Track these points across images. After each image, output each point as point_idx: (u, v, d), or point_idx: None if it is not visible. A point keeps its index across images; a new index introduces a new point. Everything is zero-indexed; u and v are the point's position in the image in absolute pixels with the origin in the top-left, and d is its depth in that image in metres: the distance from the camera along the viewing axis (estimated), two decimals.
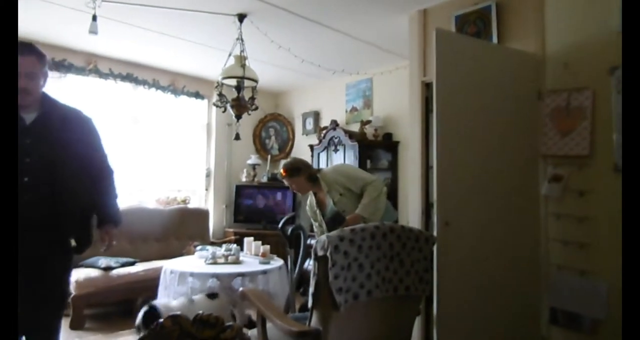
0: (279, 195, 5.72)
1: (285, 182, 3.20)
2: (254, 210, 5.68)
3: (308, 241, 3.25)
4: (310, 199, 3.25)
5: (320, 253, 1.82)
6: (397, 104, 4.78)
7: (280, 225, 3.28)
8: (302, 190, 3.23)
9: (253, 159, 5.90)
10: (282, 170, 3.17)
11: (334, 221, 2.95)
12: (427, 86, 3.48)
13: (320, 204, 3.18)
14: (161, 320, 0.72)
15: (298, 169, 3.12)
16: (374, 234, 1.94)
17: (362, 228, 1.94)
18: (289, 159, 3.29)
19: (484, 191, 2.58)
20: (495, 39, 3.01)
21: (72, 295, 3.73)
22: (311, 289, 1.87)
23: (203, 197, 5.81)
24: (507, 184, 2.67)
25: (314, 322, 1.89)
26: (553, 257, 2.71)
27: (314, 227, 3.28)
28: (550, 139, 2.73)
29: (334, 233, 1.86)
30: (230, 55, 3.71)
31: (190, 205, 5.48)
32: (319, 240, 1.85)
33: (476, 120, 2.59)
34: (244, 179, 5.86)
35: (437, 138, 2.45)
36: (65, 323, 3.73)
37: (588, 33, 2.63)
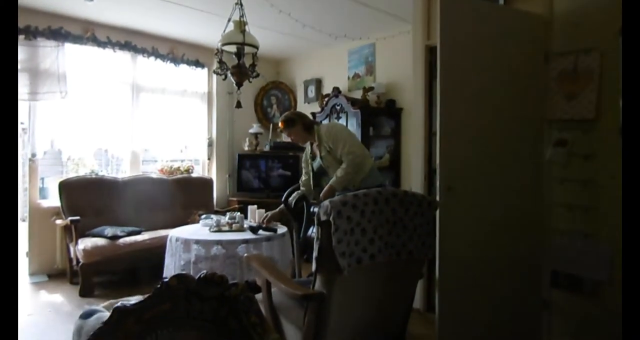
0: (281, 164, 5.72)
1: (285, 134, 3.44)
2: (257, 179, 5.70)
3: (312, 209, 3.28)
4: (307, 148, 3.47)
5: (323, 218, 1.83)
6: (400, 70, 4.70)
7: (283, 198, 3.30)
8: (300, 140, 3.38)
9: (255, 127, 5.87)
10: (280, 123, 3.39)
11: (297, 204, 3.21)
12: (430, 50, 3.40)
13: (313, 155, 3.39)
14: (167, 279, 0.73)
15: (293, 120, 3.29)
16: (376, 199, 1.95)
17: (365, 193, 1.94)
18: (286, 112, 3.50)
19: (487, 156, 2.57)
20: (501, 0, 2.92)
21: (80, 264, 3.81)
22: (315, 254, 1.89)
23: (206, 166, 5.82)
24: (511, 149, 2.65)
25: (318, 285, 1.93)
26: (556, 221, 2.72)
27: (303, 175, 3.52)
28: (556, 103, 2.70)
29: (337, 198, 1.87)
30: (229, 20, 3.62)
31: (194, 175, 5.50)
32: (322, 206, 1.86)
33: (480, 84, 2.55)
34: (246, 148, 5.85)
35: (440, 102, 2.43)
36: (75, 290, 3.85)
37: None
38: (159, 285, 0.73)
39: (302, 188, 3.41)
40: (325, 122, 5.14)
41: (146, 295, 0.72)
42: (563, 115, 2.68)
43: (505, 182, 2.63)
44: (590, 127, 2.57)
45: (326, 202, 1.85)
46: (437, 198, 2.41)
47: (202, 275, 0.73)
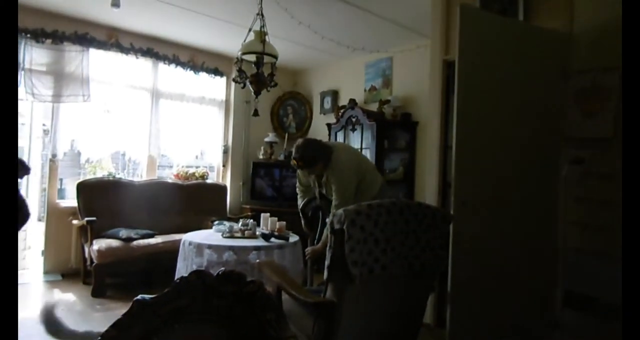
0: (295, 173, 5.73)
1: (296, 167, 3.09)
2: (270, 188, 5.74)
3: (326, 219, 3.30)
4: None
5: (336, 226, 1.84)
6: (416, 83, 4.73)
7: (300, 206, 3.33)
8: (316, 173, 3.09)
9: (270, 136, 5.92)
10: (295, 162, 2.99)
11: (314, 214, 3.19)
12: (448, 65, 3.42)
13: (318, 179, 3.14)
14: (186, 275, 0.75)
15: (315, 158, 2.94)
16: (390, 209, 1.96)
17: (379, 203, 1.95)
18: (300, 147, 2.98)
19: (502, 172, 2.56)
20: (521, 16, 2.93)
21: (94, 264, 3.86)
22: (327, 262, 1.90)
23: (220, 173, 5.88)
24: (527, 165, 2.64)
25: (329, 294, 1.94)
26: (571, 239, 2.69)
27: (298, 187, 3.38)
28: (573, 121, 2.68)
29: (351, 207, 1.88)
30: (250, 30, 3.69)
31: (209, 181, 5.56)
32: (335, 214, 1.87)
33: (497, 100, 2.55)
34: (261, 157, 5.90)
35: (457, 117, 2.43)
36: (87, 290, 3.90)
37: (619, 11, 2.54)
38: (177, 280, 0.75)
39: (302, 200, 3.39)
40: (340, 134, 5.16)
41: (165, 290, 0.74)
42: (580, 133, 2.66)
43: (520, 199, 2.61)
44: (608, 146, 2.55)
45: (340, 211, 1.86)
46: (452, 212, 2.40)
47: (220, 272, 0.75)
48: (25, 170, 2.22)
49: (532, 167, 2.66)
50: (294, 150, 3.04)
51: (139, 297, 0.72)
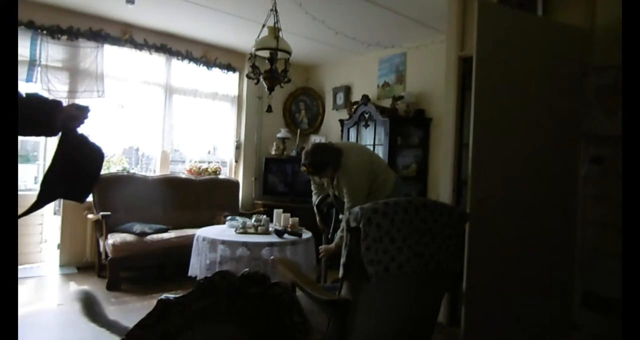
0: None
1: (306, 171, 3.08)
2: (282, 184, 5.74)
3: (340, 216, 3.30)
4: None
5: (353, 224, 1.83)
6: (430, 79, 4.68)
7: (316, 203, 3.33)
8: (327, 177, 3.10)
9: (283, 132, 5.92)
10: (305, 168, 2.99)
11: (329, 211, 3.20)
12: (464, 61, 3.38)
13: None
14: (210, 275, 0.75)
15: (325, 163, 2.94)
16: (406, 208, 1.94)
17: (395, 201, 1.94)
18: (309, 153, 2.98)
19: (520, 170, 2.52)
20: (540, 11, 2.88)
21: (109, 258, 3.90)
22: (342, 260, 1.89)
23: (233, 168, 5.90)
24: (545, 164, 2.60)
25: (344, 292, 1.93)
26: (590, 239, 2.65)
27: (313, 184, 3.38)
28: (594, 118, 2.63)
29: (367, 205, 1.87)
30: (263, 26, 3.68)
31: (221, 176, 5.58)
32: (352, 212, 1.86)
33: (515, 96, 2.51)
34: (273, 152, 5.90)
35: (474, 114, 2.40)
36: (102, 283, 3.94)
37: None
38: (201, 281, 0.74)
39: (316, 198, 3.39)
40: (353, 130, 5.14)
41: (188, 290, 0.74)
42: (601, 131, 2.61)
43: (538, 198, 2.57)
44: None
45: (356, 209, 1.85)
46: (468, 210, 2.38)
47: (245, 273, 0.74)
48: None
49: (551, 165, 2.62)
50: (302, 156, 3.03)
51: (163, 296, 0.71)
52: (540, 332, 2.58)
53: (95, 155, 1.60)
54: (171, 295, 0.71)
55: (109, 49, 4.64)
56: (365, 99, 5.01)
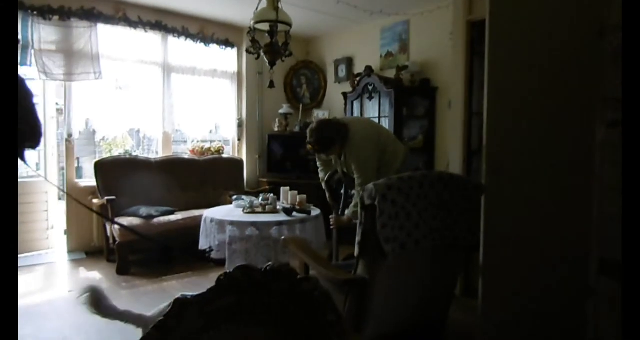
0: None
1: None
2: (287, 160, 5.66)
3: (350, 192, 3.24)
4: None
5: (367, 202, 1.77)
6: (436, 47, 4.53)
7: (325, 179, 3.25)
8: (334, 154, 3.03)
9: (285, 108, 5.79)
10: (310, 146, 2.91)
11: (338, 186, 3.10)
12: (472, 26, 3.24)
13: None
14: (230, 270, 0.68)
15: (331, 140, 2.84)
16: (421, 182, 1.87)
17: (410, 176, 1.87)
18: (315, 131, 2.88)
19: (536, 137, 2.43)
20: None
21: (117, 243, 3.88)
22: (358, 238, 1.84)
23: (236, 147, 5.82)
24: (561, 129, 2.50)
25: (361, 270, 1.88)
26: (608, 205, 2.57)
27: (319, 161, 3.30)
28: (611, 81, 2.52)
29: (381, 181, 1.80)
30: None
31: (224, 156, 5.50)
32: (366, 189, 1.79)
33: (530, 60, 2.40)
34: (276, 129, 5.80)
35: (488, 79, 2.29)
36: (112, 268, 3.93)
37: None
38: (221, 277, 0.68)
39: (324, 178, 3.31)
40: (357, 103, 5.02)
41: (208, 288, 0.67)
42: (618, 94, 2.50)
43: (555, 164, 2.48)
44: None
45: (370, 186, 1.78)
46: (483, 181, 2.30)
47: (268, 267, 0.68)
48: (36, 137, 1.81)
49: (568, 130, 2.52)
50: (307, 134, 2.93)
51: (179, 295, 0.65)
52: (559, 299, 2.55)
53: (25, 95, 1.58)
54: (189, 294, 0.65)
55: (103, 29, 4.49)
56: (369, 70, 4.87)
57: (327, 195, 3.33)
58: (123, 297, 3.33)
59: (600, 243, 2.62)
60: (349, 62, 5.63)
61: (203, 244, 3.41)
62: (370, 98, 4.85)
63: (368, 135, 2.93)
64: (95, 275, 3.87)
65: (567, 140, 2.54)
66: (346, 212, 2.99)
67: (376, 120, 4.69)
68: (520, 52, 2.37)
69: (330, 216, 3.15)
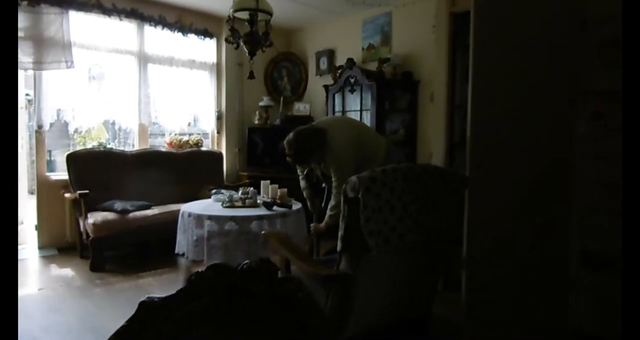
0: None
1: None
2: (267, 154, 5.56)
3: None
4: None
5: (350, 195, 1.71)
6: (418, 40, 4.49)
7: (305, 172, 3.19)
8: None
9: (265, 100, 5.68)
10: (290, 159, 2.89)
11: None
12: (455, 18, 3.21)
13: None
14: (201, 270, 0.61)
15: (310, 152, 2.82)
16: (406, 175, 1.83)
17: (394, 168, 1.82)
18: (293, 142, 2.83)
19: (519, 130, 2.41)
20: None
21: (90, 238, 3.74)
22: (341, 232, 1.78)
23: (215, 140, 5.69)
24: (544, 122, 2.49)
25: (343, 266, 1.83)
26: (588, 198, 2.58)
27: (298, 169, 3.25)
28: (592, 73, 2.51)
29: (365, 174, 1.74)
30: None
31: (203, 148, 5.38)
32: (349, 182, 1.73)
33: (513, 53, 2.37)
34: (256, 122, 5.69)
35: (472, 71, 2.26)
36: (85, 264, 3.80)
37: None
38: (192, 277, 0.61)
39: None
40: (338, 96, 4.95)
41: (177, 289, 0.60)
42: (600, 87, 2.50)
43: (537, 157, 2.48)
44: None
45: (353, 178, 1.72)
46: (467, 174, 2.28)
47: (245, 266, 0.61)
48: None
49: (550, 123, 2.51)
50: (285, 146, 2.87)
51: (145, 298, 0.58)
52: (542, 292, 2.55)
53: None
54: (156, 296, 0.58)
55: (75, 16, 4.30)
56: (350, 62, 4.80)
57: (309, 203, 3.30)
58: (96, 294, 3.21)
59: (580, 236, 2.63)
60: (331, 54, 5.56)
61: (180, 239, 3.31)
62: (352, 91, 4.78)
63: (347, 139, 2.88)
64: (67, 273, 3.73)
65: (550, 133, 2.53)
66: (327, 215, 2.92)
67: (358, 114, 4.64)
68: (504, 45, 2.35)
69: (311, 224, 3.11)
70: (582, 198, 2.61)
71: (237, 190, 3.69)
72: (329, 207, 2.83)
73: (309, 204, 3.33)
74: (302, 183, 3.29)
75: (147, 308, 0.57)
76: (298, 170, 3.28)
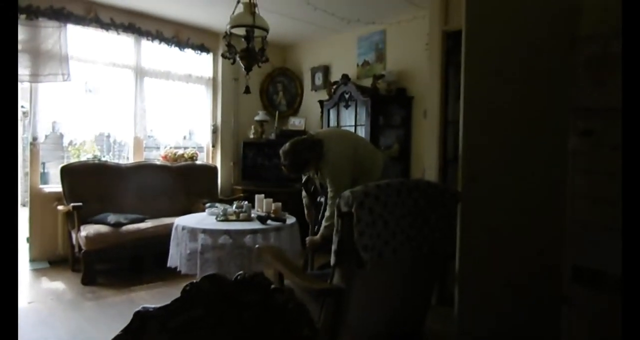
0: None
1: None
2: (262, 168, 5.58)
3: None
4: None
5: (344, 209, 1.73)
6: (411, 57, 4.57)
7: (303, 181, 3.21)
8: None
9: (260, 115, 5.73)
10: (285, 170, 2.91)
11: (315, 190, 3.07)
12: (447, 36, 3.27)
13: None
14: (196, 280, 0.62)
15: (306, 162, 2.85)
16: (399, 190, 1.85)
17: (388, 183, 1.84)
18: (288, 153, 2.85)
19: (510, 145, 2.45)
20: None
21: (82, 251, 3.72)
22: (334, 247, 1.79)
23: (210, 153, 5.71)
24: (534, 138, 2.53)
25: (337, 280, 1.83)
26: (580, 214, 2.61)
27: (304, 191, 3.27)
28: (582, 90, 2.56)
29: (358, 188, 1.76)
30: (238, 2, 3.47)
31: (198, 162, 5.39)
32: (342, 196, 1.75)
33: (504, 71, 2.42)
34: (251, 136, 5.72)
35: (464, 88, 2.31)
36: (77, 278, 3.76)
37: None
38: (187, 287, 0.62)
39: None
40: (333, 111, 5.00)
41: (172, 299, 0.61)
42: (590, 104, 2.55)
43: (529, 174, 2.51)
44: (619, 116, 2.44)
45: (347, 192, 1.74)
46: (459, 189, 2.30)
47: (238, 277, 0.62)
48: None
49: (541, 139, 2.55)
50: (281, 156, 2.89)
51: (140, 308, 0.59)
52: (534, 308, 2.56)
53: None
54: (151, 306, 0.59)
55: (72, 29, 4.34)
56: (345, 78, 4.87)
57: (306, 212, 3.30)
58: (87, 308, 3.18)
59: (573, 251, 2.65)
60: (326, 70, 5.63)
61: (174, 252, 3.29)
62: (347, 106, 4.84)
63: (343, 151, 2.89)
64: (58, 286, 3.69)
65: (541, 149, 2.57)
66: (322, 226, 2.92)
67: (352, 129, 4.68)
68: (495, 62, 2.40)
69: (307, 238, 3.11)
70: (572, 213, 2.64)
71: (231, 204, 3.70)
72: (324, 217, 2.84)
73: (305, 212, 3.31)
74: (305, 200, 3.31)
75: (142, 318, 0.58)
76: (303, 193, 3.31)
